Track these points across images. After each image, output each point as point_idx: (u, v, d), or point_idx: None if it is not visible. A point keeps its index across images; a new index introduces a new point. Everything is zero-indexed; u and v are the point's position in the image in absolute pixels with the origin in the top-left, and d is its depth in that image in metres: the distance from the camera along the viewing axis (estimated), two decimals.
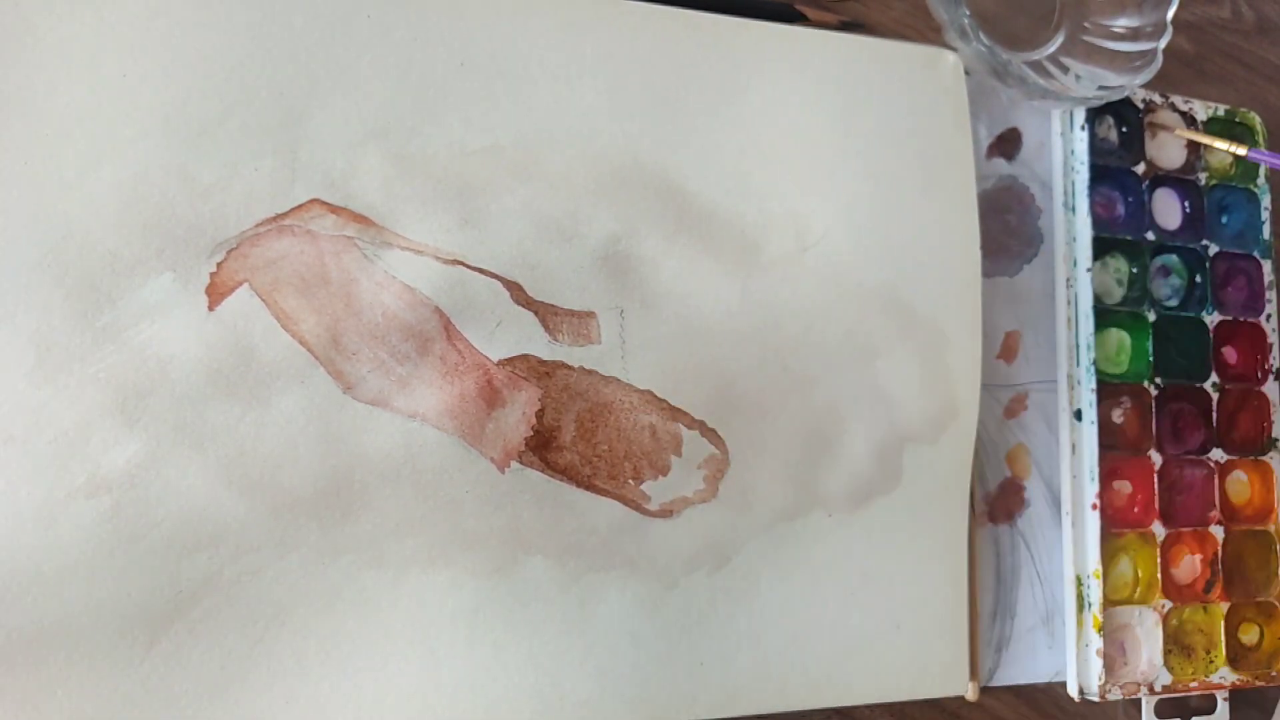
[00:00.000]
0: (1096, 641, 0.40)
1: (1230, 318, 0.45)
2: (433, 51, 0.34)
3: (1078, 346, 0.42)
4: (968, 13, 0.40)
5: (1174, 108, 0.45)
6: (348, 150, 0.33)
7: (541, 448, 0.34)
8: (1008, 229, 0.43)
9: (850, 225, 0.39)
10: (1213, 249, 0.45)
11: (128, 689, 0.29)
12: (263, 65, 0.32)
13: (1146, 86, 0.43)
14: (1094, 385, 0.41)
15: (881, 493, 0.38)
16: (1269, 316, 0.45)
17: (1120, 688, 0.40)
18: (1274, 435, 0.45)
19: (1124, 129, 0.44)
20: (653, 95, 0.37)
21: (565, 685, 0.34)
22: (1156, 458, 0.42)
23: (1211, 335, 0.44)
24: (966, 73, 0.41)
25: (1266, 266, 0.46)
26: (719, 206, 0.37)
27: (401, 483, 0.32)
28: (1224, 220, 0.46)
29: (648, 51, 0.37)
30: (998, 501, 0.41)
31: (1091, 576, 0.40)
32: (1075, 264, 0.42)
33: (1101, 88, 0.42)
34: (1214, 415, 0.44)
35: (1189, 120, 0.45)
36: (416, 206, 0.33)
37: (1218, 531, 0.43)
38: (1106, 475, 0.41)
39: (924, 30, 0.43)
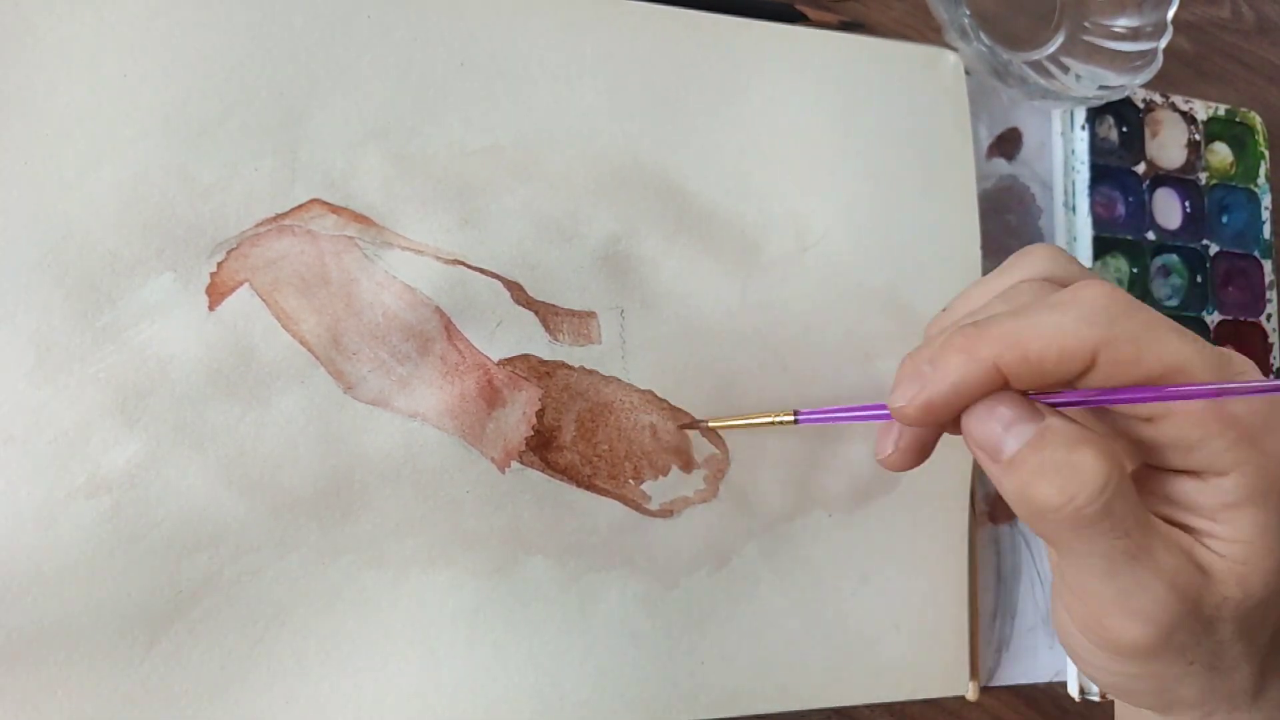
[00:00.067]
0: None
1: (1230, 318, 0.45)
2: (433, 51, 0.34)
3: None
4: (968, 13, 0.40)
5: (1174, 108, 0.45)
6: (348, 150, 0.33)
7: (542, 447, 0.34)
8: (1008, 229, 0.43)
9: (850, 225, 0.39)
10: (1213, 249, 0.45)
11: (128, 689, 0.29)
12: (263, 65, 0.32)
13: (1146, 86, 0.43)
14: None
15: (881, 493, 0.38)
16: (1269, 316, 0.45)
17: None
18: None
19: (1124, 129, 0.44)
20: (653, 95, 0.37)
21: (565, 685, 0.34)
22: None
23: (1212, 335, 0.44)
24: (966, 73, 0.41)
25: (1267, 266, 0.46)
26: (719, 206, 0.37)
27: (402, 483, 0.32)
28: (1224, 220, 0.46)
29: (648, 51, 0.37)
30: (998, 501, 0.41)
31: None
32: None
33: (1101, 88, 0.42)
34: None
35: (1189, 120, 0.45)
36: (417, 206, 0.33)
37: None
38: None
39: (924, 30, 0.43)
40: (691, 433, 0.36)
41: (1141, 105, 0.44)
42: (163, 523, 0.30)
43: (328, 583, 0.31)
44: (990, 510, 0.41)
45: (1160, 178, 0.44)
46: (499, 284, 0.34)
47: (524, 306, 0.34)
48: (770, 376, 0.37)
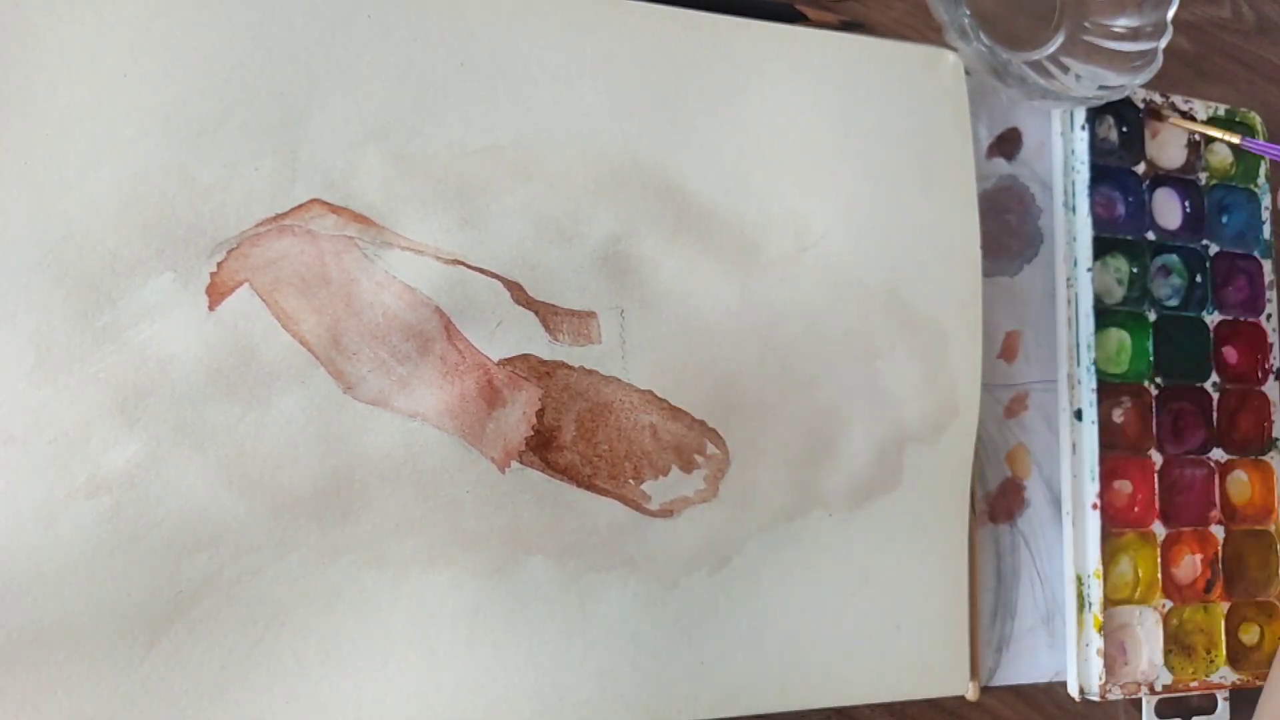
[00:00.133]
0: (1097, 641, 0.40)
1: (1230, 317, 0.45)
2: (433, 51, 0.34)
3: (1078, 346, 0.42)
4: (968, 13, 0.40)
5: (1174, 107, 0.45)
6: (348, 150, 0.33)
7: (542, 447, 0.34)
8: (1008, 229, 0.43)
9: (850, 225, 0.39)
10: (1213, 249, 0.45)
11: (128, 689, 0.29)
12: (263, 65, 0.32)
13: (1146, 86, 0.43)
14: (1094, 385, 0.41)
15: (882, 493, 0.38)
16: (1269, 316, 0.45)
17: (1120, 687, 0.40)
18: (1274, 435, 0.45)
19: (1124, 129, 0.44)
20: (652, 95, 0.37)
21: (565, 685, 0.34)
22: (1157, 457, 0.42)
23: (1212, 335, 0.44)
24: (966, 73, 0.41)
25: (1266, 266, 0.46)
26: (719, 206, 0.37)
27: (402, 483, 0.32)
28: (1224, 220, 0.46)
29: (648, 51, 0.37)
30: (998, 501, 0.41)
31: (1092, 576, 0.40)
32: (1075, 264, 0.42)
33: (1101, 88, 0.42)
34: (1214, 415, 0.44)
35: (1188, 120, 0.45)
36: (416, 206, 0.33)
37: (1218, 531, 0.43)
38: (1107, 475, 0.41)
39: (924, 30, 0.43)
40: (693, 432, 0.35)
41: (1141, 105, 0.44)
42: (163, 523, 0.30)
43: (328, 583, 0.31)
44: (990, 510, 0.41)
45: (1160, 178, 0.44)
46: (499, 284, 0.34)
47: (524, 306, 0.34)
48: (770, 376, 0.37)
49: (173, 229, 0.31)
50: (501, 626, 0.33)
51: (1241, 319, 0.45)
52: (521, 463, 0.34)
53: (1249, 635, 0.43)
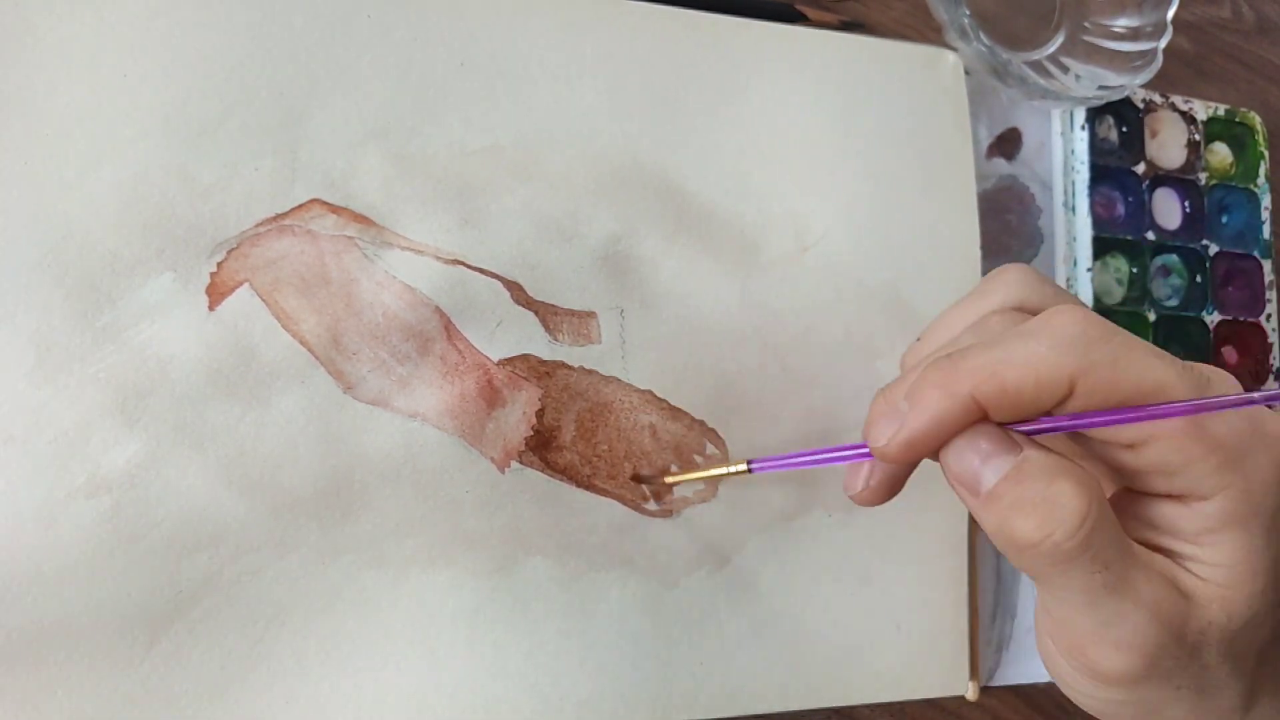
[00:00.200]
0: None
1: (1230, 318, 0.45)
2: (433, 51, 0.34)
3: None
4: (968, 13, 0.40)
5: (1174, 108, 0.45)
6: (348, 150, 0.33)
7: (541, 447, 0.34)
8: (1008, 229, 0.43)
9: (850, 225, 0.39)
10: (1213, 249, 0.45)
11: (128, 689, 0.29)
12: (263, 65, 0.32)
13: (1146, 86, 0.43)
14: None
15: None
16: (1269, 316, 0.45)
17: None
18: None
19: (1124, 129, 0.44)
20: (652, 95, 0.37)
21: (565, 685, 0.34)
22: None
23: (1212, 335, 0.44)
24: (966, 73, 0.41)
25: (1266, 266, 0.46)
26: (719, 206, 0.37)
27: (401, 483, 0.32)
28: (1224, 220, 0.46)
29: (648, 51, 0.37)
30: None
31: None
32: (1075, 264, 0.42)
33: (1101, 88, 0.42)
34: None
35: (1189, 120, 0.45)
36: (416, 206, 0.33)
37: None
38: None
39: (924, 30, 0.43)
40: (693, 432, 0.36)
41: (1141, 105, 0.44)
42: (163, 523, 0.30)
43: (328, 583, 0.31)
44: None
45: (1160, 178, 0.44)
46: (499, 284, 0.34)
47: (524, 306, 0.34)
48: (770, 376, 0.37)
49: (173, 229, 0.31)
50: (501, 626, 0.33)
51: (1241, 319, 0.45)
52: (521, 463, 0.34)
53: None
